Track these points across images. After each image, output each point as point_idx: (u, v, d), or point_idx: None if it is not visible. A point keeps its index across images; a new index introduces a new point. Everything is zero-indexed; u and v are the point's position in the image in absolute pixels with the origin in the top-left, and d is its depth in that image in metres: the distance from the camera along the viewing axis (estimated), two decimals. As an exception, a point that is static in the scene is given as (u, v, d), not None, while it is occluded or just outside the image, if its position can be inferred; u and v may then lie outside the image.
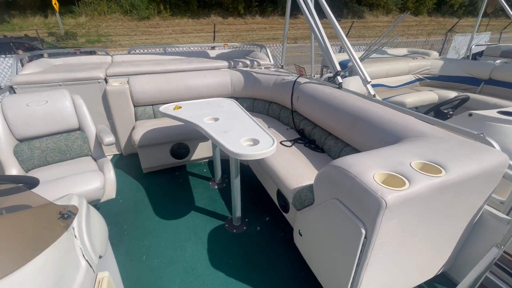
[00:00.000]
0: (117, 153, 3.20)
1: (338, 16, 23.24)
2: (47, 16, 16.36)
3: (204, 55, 3.80)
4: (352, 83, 3.27)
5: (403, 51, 5.24)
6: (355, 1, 23.75)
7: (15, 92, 2.55)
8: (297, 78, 2.76)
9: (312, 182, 1.68)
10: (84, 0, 16.99)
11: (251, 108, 3.29)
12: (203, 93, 3.14)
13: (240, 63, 3.45)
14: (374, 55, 4.09)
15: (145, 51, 4.16)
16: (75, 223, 0.90)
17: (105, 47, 14.80)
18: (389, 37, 3.84)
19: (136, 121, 2.99)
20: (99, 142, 2.14)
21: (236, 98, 3.34)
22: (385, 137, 1.64)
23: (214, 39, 5.74)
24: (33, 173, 1.86)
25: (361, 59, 3.83)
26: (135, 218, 2.19)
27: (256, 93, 3.19)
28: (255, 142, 1.66)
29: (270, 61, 3.64)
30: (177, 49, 4.26)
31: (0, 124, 1.78)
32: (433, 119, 1.70)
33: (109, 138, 1.86)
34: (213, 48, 4.20)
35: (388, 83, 4.29)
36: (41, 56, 4.16)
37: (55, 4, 13.45)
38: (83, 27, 16.21)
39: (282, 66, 3.51)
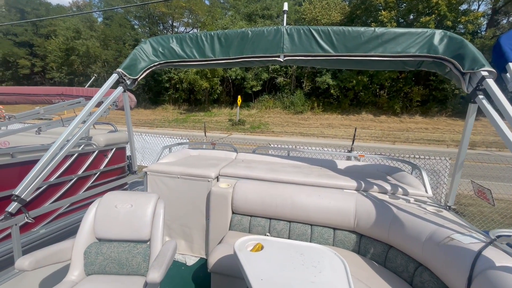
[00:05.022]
0: (204, 257, 2.83)
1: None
2: (232, 108, 22.56)
3: (330, 165, 3.13)
4: None
5: None
6: None
7: (147, 177, 2.89)
8: (484, 249, 1.44)
9: None
10: (258, 98, 22.40)
11: (382, 260, 2.10)
12: (312, 217, 2.36)
13: (375, 186, 2.47)
14: None
15: (271, 152, 4.08)
16: None
17: (261, 132, 17.86)
18: None
19: (229, 230, 2.59)
20: None
21: (361, 236, 2.29)
22: None
23: (352, 144, 5.04)
24: (89, 280, 1.68)
25: None
26: None
27: (394, 240, 2.03)
28: None
29: (426, 192, 2.38)
30: (301, 154, 3.88)
31: (90, 220, 1.82)
32: None
33: (154, 274, 1.43)
34: (348, 158, 3.45)
35: None
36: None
37: (239, 101, 18.69)
38: (251, 117, 20.78)
39: (450, 207, 2.13)
